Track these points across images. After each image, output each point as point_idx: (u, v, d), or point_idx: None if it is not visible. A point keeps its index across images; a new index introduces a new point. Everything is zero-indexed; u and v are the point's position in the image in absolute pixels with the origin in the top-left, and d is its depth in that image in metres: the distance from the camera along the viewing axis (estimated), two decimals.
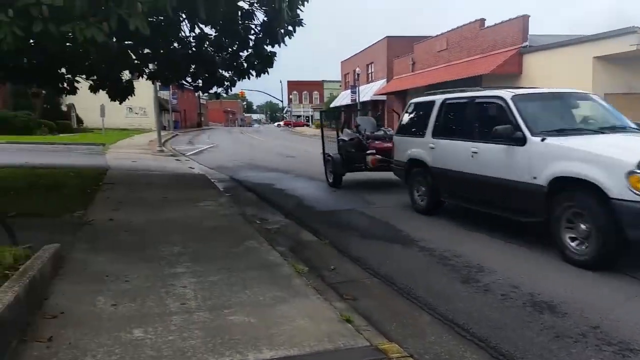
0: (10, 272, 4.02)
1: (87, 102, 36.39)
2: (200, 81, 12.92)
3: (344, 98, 54.17)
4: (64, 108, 44.25)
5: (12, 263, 4.22)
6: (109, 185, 10.87)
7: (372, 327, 3.92)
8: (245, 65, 10.89)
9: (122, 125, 48.91)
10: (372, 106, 46.55)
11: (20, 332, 3.39)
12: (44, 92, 35.77)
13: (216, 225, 7.22)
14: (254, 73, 10.84)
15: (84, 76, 12.71)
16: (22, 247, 4.94)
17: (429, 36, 33.34)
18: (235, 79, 11.95)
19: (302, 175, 14.49)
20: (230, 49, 10.82)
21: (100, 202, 8.80)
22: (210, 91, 13.31)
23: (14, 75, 12.25)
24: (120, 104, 14.13)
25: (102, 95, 14.11)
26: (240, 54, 10.86)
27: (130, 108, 50.12)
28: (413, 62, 35.17)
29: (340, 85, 62.23)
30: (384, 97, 41.58)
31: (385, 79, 41.83)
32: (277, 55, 10.42)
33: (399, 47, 39.06)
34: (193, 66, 12.33)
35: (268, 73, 10.58)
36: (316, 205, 9.65)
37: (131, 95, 13.69)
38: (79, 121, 45.94)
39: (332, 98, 64.12)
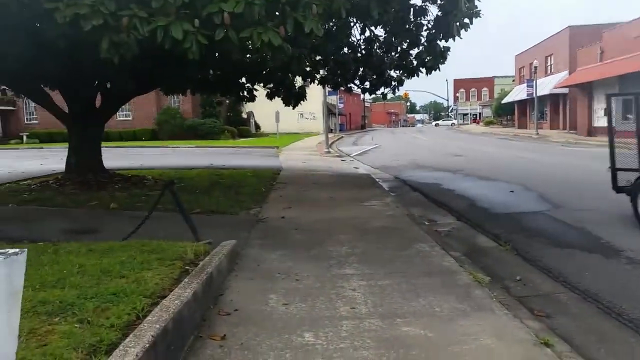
0: (190, 267, 4.18)
1: (264, 109, 39.55)
2: (368, 83, 12.92)
3: (517, 93, 50.55)
4: (244, 115, 48.55)
5: (192, 258, 4.39)
6: (281, 184, 11.32)
7: (576, 354, 3.21)
8: (415, 63, 10.50)
9: (294, 129, 51.98)
10: (551, 100, 42.59)
11: (196, 328, 3.44)
12: (227, 101, 39.68)
13: (383, 225, 6.92)
14: (423, 70, 10.40)
15: (261, 84, 13.56)
16: (203, 242, 5.19)
17: (620, 22, 29.23)
18: (404, 78, 11.65)
19: (472, 174, 13.55)
20: (399, 48, 10.55)
21: (274, 200, 9.14)
22: (377, 92, 13.21)
23: (201, 86, 13.55)
24: (293, 109, 14.78)
25: (277, 103, 14.96)
26: (411, 52, 10.52)
27: (301, 113, 53.15)
28: (601, 51, 31.17)
29: (514, 80, 58.19)
30: (565, 90, 37.68)
31: (566, 71, 37.87)
32: (450, 50, 9.82)
33: (582, 36, 35.18)
34: (362, 69, 12.37)
35: (439, 69, 10.04)
36: (492, 207, 8.80)
37: (303, 100, 14.24)
38: (257, 127, 50.00)
39: (504, 94, 60.26)
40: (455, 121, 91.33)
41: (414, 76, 10.78)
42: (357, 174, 14.56)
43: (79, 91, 10.51)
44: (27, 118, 41.72)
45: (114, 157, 21.60)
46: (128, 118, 40.60)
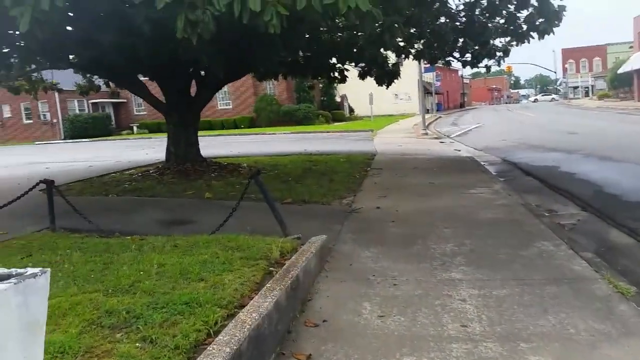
0: (275, 268, 3.75)
1: (357, 92, 39.00)
2: (469, 55, 11.82)
3: (637, 61, 45.19)
4: (338, 99, 48.26)
5: (277, 258, 3.98)
6: (376, 170, 10.72)
7: None
8: (525, 27, 9.26)
9: (388, 111, 50.88)
10: None
11: (279, 342, 2.99)
12: (321, 84, 39.59)
13: (494, 217, 6.09)
14: (535, 36, 9.11)
15: (352, 64, 12.97)
16: (291, 237, 4.78)
17: None
18: (509, 47, 10.43)
19: (593, 154, 11.99)
20: (504, 12, 9.36)
21: (368, 188, 8.58)
22: (480, 65, 12.04)
23: (292, 69, 13.25)
24: (386, 88, 14.06)
25: (370, 85, 14.34)
26: (518, 14, 9.29)
27: (396, 94, 51.88)
28: None
29: (631, 47, 52.15)
30: None
31: None
32: (565, 9, 8.50)
33: None
34: (461, 39, 11.33)
35: (553, 33, 8.74)
36: (623, 193, 7.53)
37: (397, 79, 13.46)
38: (351, 110, 49.54)
39: (620, 62, 54.28)
40: (555, 95, 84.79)
41: (523, 42, 9.45)
42: (458, 156, 13.54)
43: (174, 80, 10.61)
44: (136, 109, 44.57)
45: (214, 145, 22.25)
46: (228, 107, 41.96)
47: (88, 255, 4.19)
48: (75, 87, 15.63)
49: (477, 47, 11.22)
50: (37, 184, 5.63)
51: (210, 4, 4.45)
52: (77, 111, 43.97)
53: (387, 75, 13.35)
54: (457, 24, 11.03)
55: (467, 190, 7.97)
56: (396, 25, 6.66)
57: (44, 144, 36.48)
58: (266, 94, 39.65)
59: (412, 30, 10.91)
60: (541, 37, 8.91)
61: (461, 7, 10.64)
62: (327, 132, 28.04)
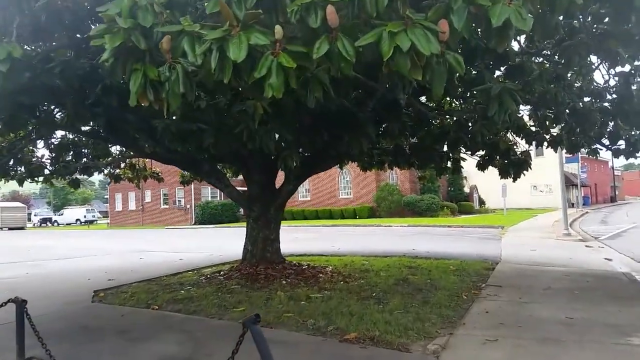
0: None
1: (489, 182, 35.78)
2: (622, 142, 9.07)
3: None
4: (467, 190, 45.06)
5: None
6: (493, 288, 8.15)
7: None
8: None
9: (525, 204, 46.26)
10: None
11: None
12: (442, 176, 37.10)
13: None
14: None
15: (468, 152, 10.87)
16: None
17: None
18: None
19: None
20: None
21: (474, 320, 6.14)
22: (638, 154, 9.16)
23: (395, 157, 11.50)
24: (513, 181, 11.57)
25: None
26: None
27: (534, 186, 47.45)
28: None
29: None
30: None
31: None
32: None
33: None
34: (611, 122, 8.74)
35: None
36: None
37: (526, 171, 10.94)
38: (481, 202, 45.84)
39: None
40: None
41: None
42: (610, 270, 10.28)
43: (249, 170, 9.43)
44: None
45: (322, 237, 20.89)
46: (349, 196, 41.20)
47: None
48: (179, 178, 15.44)
49: (634, 132, 8.51)
50: (4, 303, 4.33)
51: (183, 54, 2.90)
52: (209, 198, 46.37)
53: (512, 166, 10.93)
54: (606, 104, 8.52)
55: (624, 337, 5.22)
56: (511, 93, 4.50)
57: (171, 229, 38.25)
58: (387, 184, 38.15)
59: (547, 112, 8.57)
60: None
61: (611, 81, 8.22)
62: (449, 226, 25.25)
